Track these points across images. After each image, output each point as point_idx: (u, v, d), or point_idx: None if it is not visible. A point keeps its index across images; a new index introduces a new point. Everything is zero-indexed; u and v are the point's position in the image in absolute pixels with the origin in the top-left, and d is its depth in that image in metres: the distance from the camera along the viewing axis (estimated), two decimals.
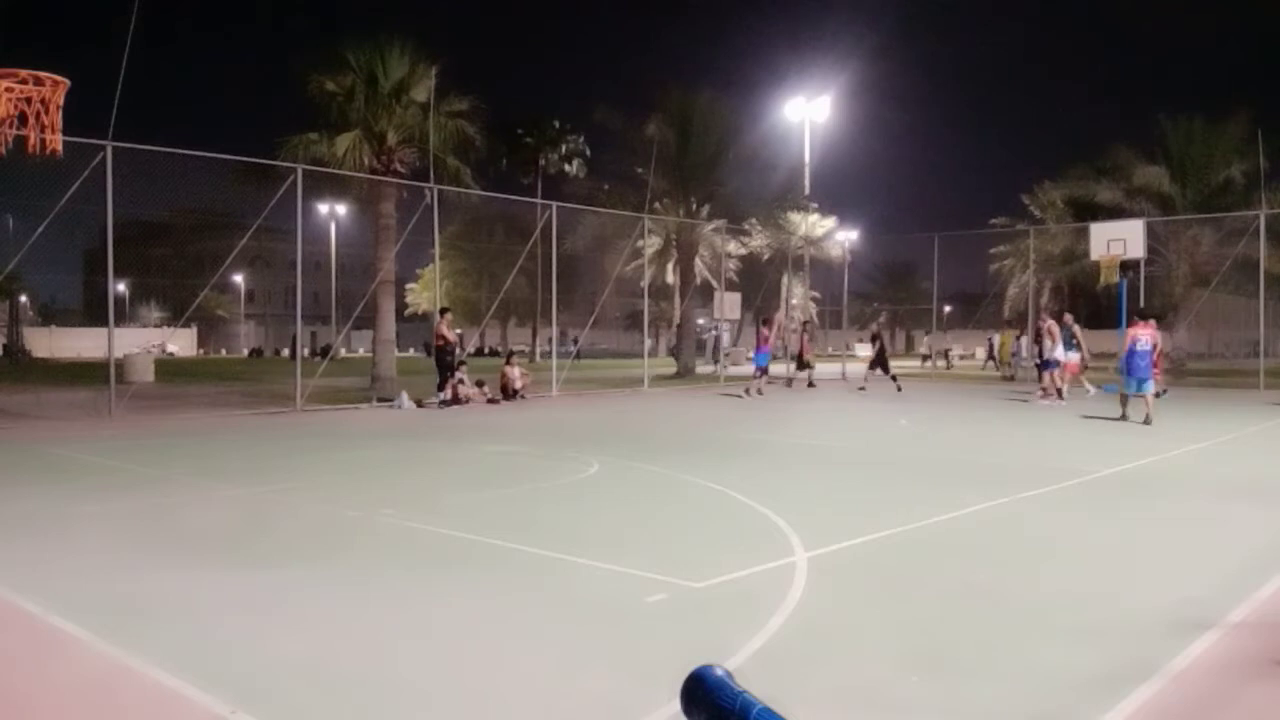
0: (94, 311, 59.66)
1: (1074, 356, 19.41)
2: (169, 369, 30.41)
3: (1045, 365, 18.90)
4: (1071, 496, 8.05)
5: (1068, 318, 19.92)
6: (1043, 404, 18.05)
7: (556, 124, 47.96)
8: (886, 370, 21.86)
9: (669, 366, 32.28)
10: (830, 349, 44.05)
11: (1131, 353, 14.13)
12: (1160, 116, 30.84)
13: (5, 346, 49.58)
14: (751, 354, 25.54)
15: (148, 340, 35.36)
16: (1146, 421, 13.66)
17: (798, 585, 5.06)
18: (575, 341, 35.49)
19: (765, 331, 21.07)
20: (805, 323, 30.45)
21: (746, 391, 20.33)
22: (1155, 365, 17.46)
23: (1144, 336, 14.18)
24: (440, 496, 8.27)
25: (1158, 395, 14.64)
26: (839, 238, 37.91)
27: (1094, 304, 38.27)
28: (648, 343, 28.78)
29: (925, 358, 42.41)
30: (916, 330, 46.57)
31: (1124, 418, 14.28)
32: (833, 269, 39.67)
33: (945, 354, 39.89)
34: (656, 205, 28.54)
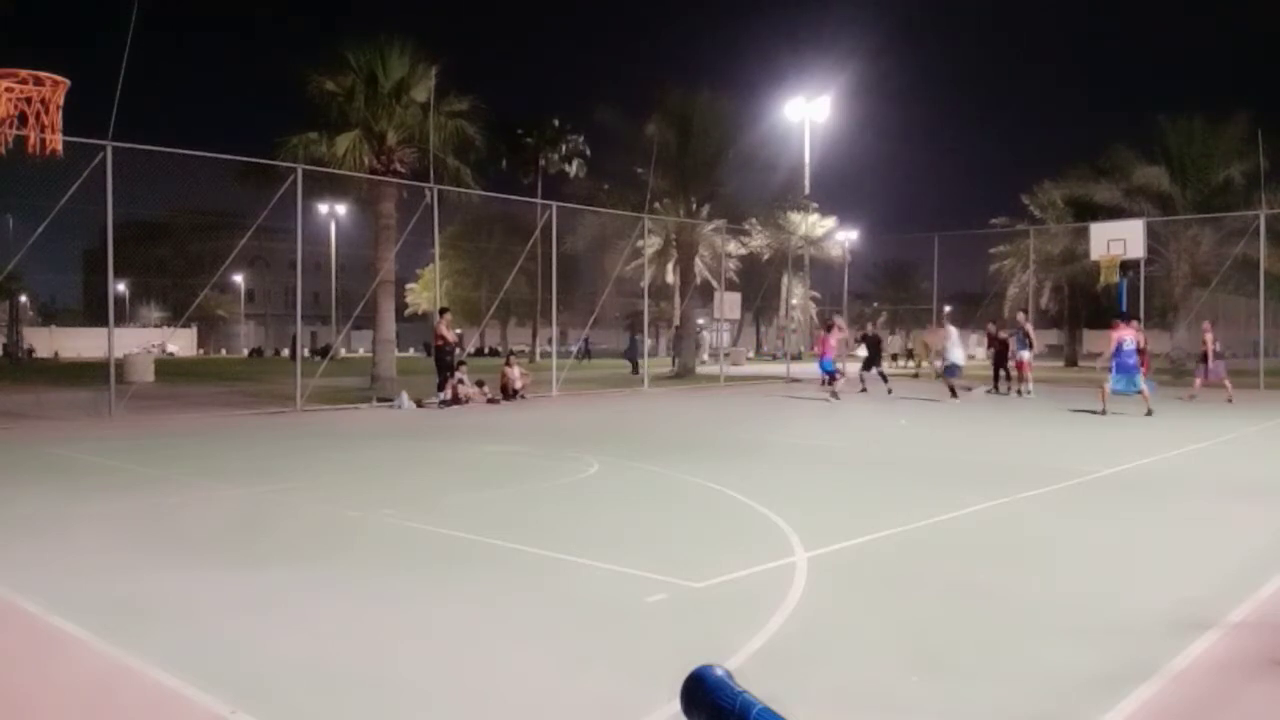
0: (94, 311, 59.68)
1: (1026, 355, 20.00)
2: (169, 369, 30.40)
3: (995, 365, 19.50)
4: (1071, 496, 8.04)
5: (1020, 317, 20.10)
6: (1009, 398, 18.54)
7: (556, 124, 47.93)
8: (873, 368, 21.75)
9: (663, 366, 32.29)
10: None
11: (1119, 352, 15.00)
12: (1160, 117, 30.90)
13: (4, 346, 49.58)
14: (816, 357, 25.22)
15: (148, 340, 35.40)
16: (1148, 413, 14.73)
17: (798, 585, 5.06)
18: (586, 341, 35.28)
19: (827, 336, 20.41)
20: (829, 325, 30.25)
21: (834, 394, 19.41)
22: (1143, 363, 17.95)
23: (1129, 336, 15.07)
24: (440, 496, 8.27)
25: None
26: (839, 238, 37.94)
27: (1094, 304, 38.23)
28: (648, 343, 28.78)
29: (894, 357, 42.28)
30: (919, 330, 46.48)
31: (1104, 412, 15.13)
32: (833, 269, 39.75)
33: (911, 354, 39.87)
34: (656, 205, 28.52)
